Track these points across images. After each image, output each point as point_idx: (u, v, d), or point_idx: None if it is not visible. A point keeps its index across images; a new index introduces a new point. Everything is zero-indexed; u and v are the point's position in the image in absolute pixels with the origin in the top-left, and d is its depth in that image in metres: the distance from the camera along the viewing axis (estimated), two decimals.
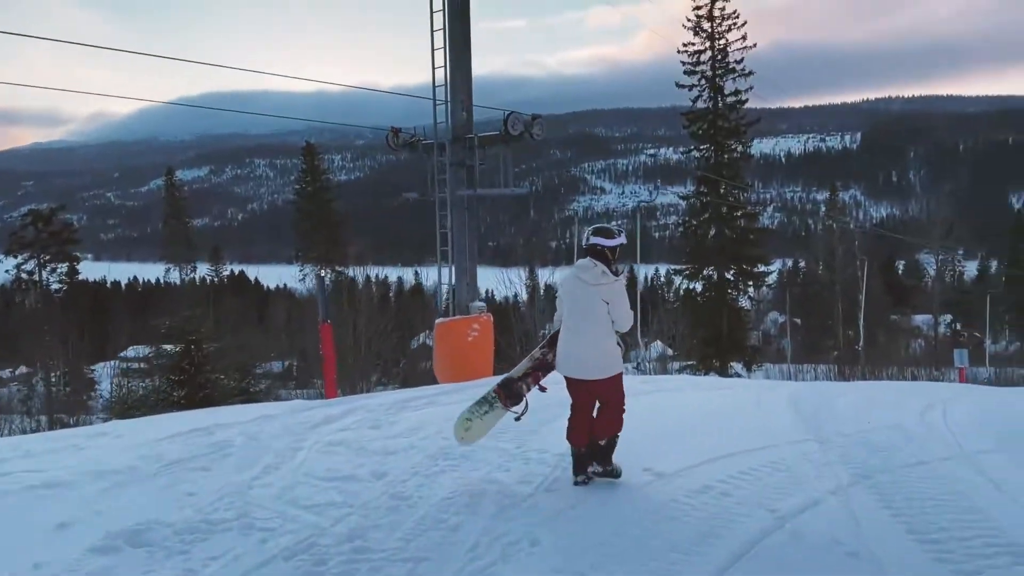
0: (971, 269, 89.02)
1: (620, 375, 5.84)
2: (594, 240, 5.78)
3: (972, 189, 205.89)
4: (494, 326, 11.37)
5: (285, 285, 71.61)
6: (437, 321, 11.45)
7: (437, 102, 10.65)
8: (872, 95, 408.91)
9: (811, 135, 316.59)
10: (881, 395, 10.80)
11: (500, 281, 37.94)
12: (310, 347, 31.11)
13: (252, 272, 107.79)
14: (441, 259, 11.18)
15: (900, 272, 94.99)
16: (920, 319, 78.04)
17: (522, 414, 6.16)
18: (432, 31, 10.61)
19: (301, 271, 46.20)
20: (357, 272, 45.10)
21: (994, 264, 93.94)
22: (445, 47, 10.54)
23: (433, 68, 10.60)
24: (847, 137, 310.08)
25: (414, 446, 7.04)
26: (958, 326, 64.17)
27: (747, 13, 26.83)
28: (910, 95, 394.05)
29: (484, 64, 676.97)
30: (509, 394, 6.17)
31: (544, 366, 6.17)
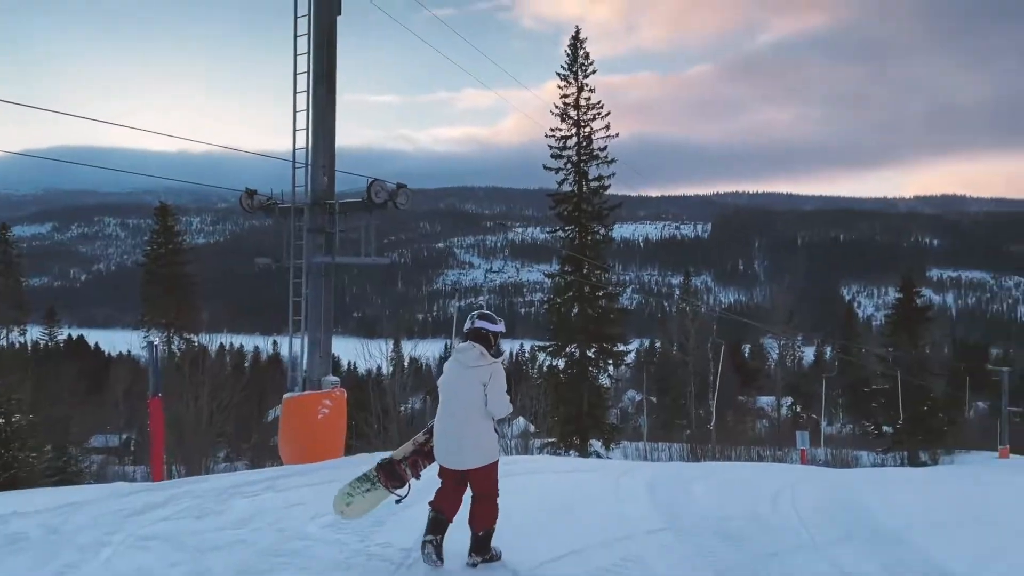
0: (809, 354, 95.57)
1: (495, 464, 5.67)
2: (479, 324, 5.71)
3: (808, 280, 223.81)
4: (349, 402, 10.72)
5: (129, 352, 66.74)
6: (285, 396, 10.73)
7: (297, 165, 10.18)
8: (721, 188, 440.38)
9: (667, 222, 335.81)
10: (733, 478, 10.94)
11: (361, 353, 36.78)
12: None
13: (93, 337, 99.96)
14: (294, 329, 10.56)
15: (746, 355, 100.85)
16: (764, 400, 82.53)
17: (404, 496, 5.98)
18: (295, 92, 10.19)
19: (146, 337, 43.14)
20: (208, 340, 42.61)
21: (828, 350, 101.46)
22: (308, 109, 10.08)
23: (294, 130, 10.16)
24: (699, 226, 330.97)
25: (243, 540, 6.23)
26: (798, 408, 68.19)
27: (609, 105, 28.41)
28: (754, 191, 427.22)
29: (356, 136, 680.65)
30: (390, 476, 6.01)
31: (425, 453, 6.00)
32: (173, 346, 40.79)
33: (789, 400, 69.49)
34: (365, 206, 10.06)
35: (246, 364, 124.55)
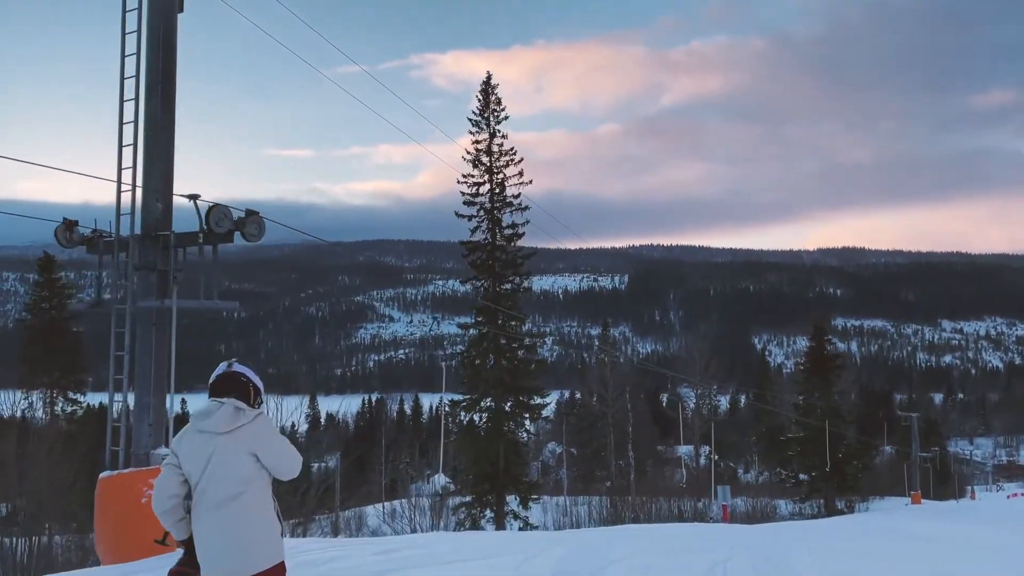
0: (724, 403, 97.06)
1: (282, 565, 4.07)
2: (239, 368, 4.28)
3: (722, 329, 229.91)
4: None
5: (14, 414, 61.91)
6: (101, 476, 8.47)
7: (123, 188, 8.36)
8: (637, 242, 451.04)
9: (585, 275, 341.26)
10: (656, 548, 10.06)
11: (275, 411, 34.59)
12: (43, 486, 25.59)
13: None
14: (114, 389, 8.57)
15: (664, 404, 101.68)
16: (683, 449, 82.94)
17: None
18: (122, 101, 8.45)
19: (26, 399, 39.89)
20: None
21: (743, 398, 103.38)
22: (137, 120, 8.40)
23: (120, 146, 8.40)
24: (616, 278, 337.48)
25: None
26: (716, 457, 68.56)
27: (523, 162, 28.14)
28: (668, 244, 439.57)
29: (271, 190, 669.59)
30: None
31: None
32: (56, 408, 37.74)
33: (707, 449, 69.87)
34: (206, 237, 8.28)
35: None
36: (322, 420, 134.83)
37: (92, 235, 8.31)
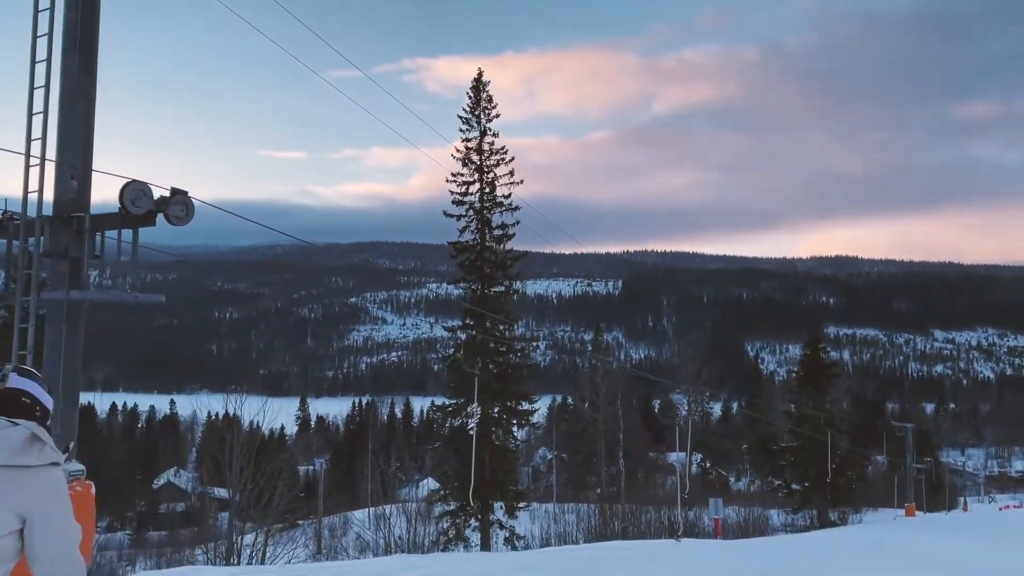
0: (716, 410, 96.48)
1: None
2: (20, 383, 2.82)
3: (714, 337, 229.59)
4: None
5: None
6: None
7: (32, 162, 7.25)
8: (631, 247, 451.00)
9: (579, 279, 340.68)
10: None
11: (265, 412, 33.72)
12: None
13: None
14: None
15: (656, 411, 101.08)
16: (674, 456, 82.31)
17: None
18: (33, 62, 7.42)
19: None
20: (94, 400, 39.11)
21: (735, 406, 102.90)
22: (48, 85, 7.31)
23: (30, 114, 7.31)
24: (610, 283, 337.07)
25: None
26: (708, 464, 68.08)
27: (516, 166, 27.43)
28: (662, 250, 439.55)
29: (262, 191, 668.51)
30: None
31: None
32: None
33: (699, 456, 69.34)
34: (123, 219, 7.15)
35: (140, 425, 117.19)
36: (312, 422, 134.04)
37: (2, 217, 7.13)
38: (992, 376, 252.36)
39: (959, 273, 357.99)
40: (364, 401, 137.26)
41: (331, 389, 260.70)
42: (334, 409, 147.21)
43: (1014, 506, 72.66)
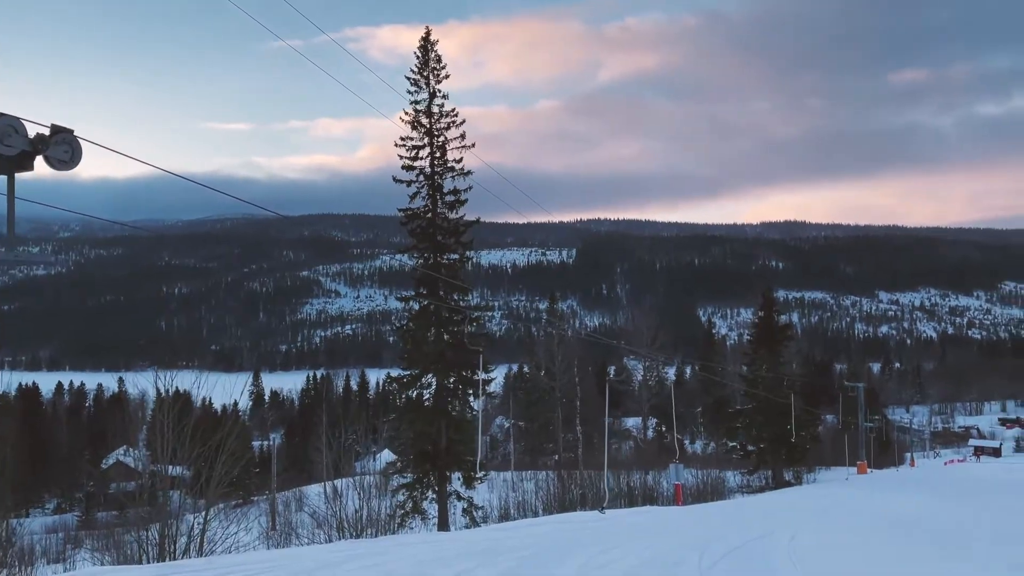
0: (670, 374, 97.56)
1: None
2: None
3: (667, 302, 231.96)
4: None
5: None
6: None
7: None
8: (584, 216, 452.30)
9: (534, 249, 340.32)
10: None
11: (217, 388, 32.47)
12: None
13: None
14: None
15: (612, 376, 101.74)
16: (631, 422, 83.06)
17: None
18: None
19: None
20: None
21: (688, 370, 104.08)
22: None
23: None
24: (564, 252, 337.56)
25: None
26: (663, 428, 68.68)
27: (464, 124, 26.42)
28: (615, 218, 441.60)
29: (207, 163, 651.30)
30: None
31: None
32: None
33: (654, 421, 69.95)
34: None
35: (88, 404, 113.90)
36: (266, 397, 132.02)
37: None
38: (935, 335, 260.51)
39: (902, 236, 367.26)
40: (319, 375, 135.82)
41: (285, 363, 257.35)
42: (288, 383, 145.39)
43: (957, 460, 75.26)
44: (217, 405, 49.55)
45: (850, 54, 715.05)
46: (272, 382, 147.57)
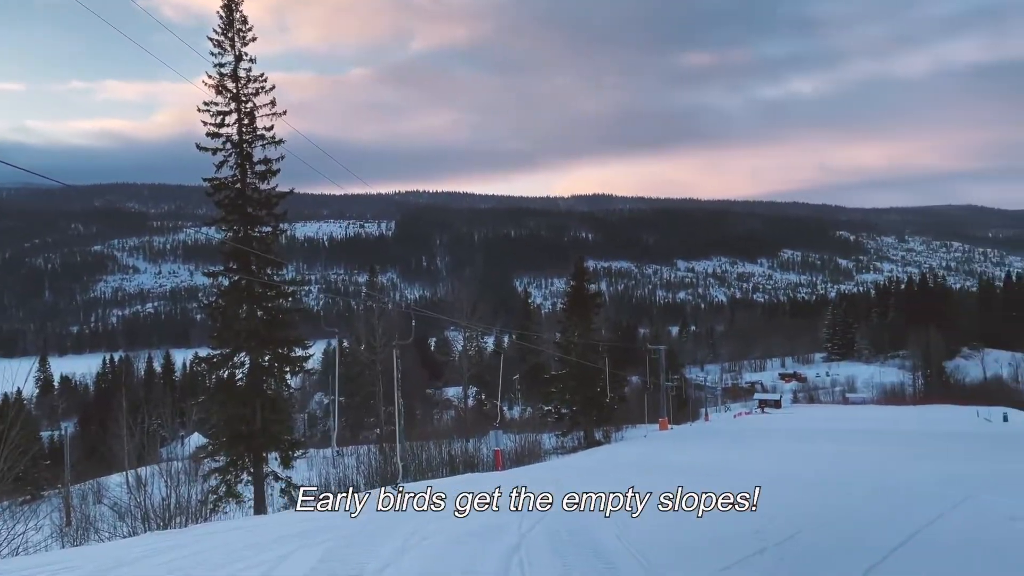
0: (489, 344, 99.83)
1: None
2: None
3: (485, 274, 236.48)
4: None
5: None
6: None
7: None
8: (403, 188, 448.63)
9: (352, 221, 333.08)
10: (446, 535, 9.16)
11: None
12: None
13: None
14: None
15: (432, 348, 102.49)
16: (452, 391, 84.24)
17: None
18: None
19: None
20: None
21: (507, 338, 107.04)
22: None
23: None
24: (383, 224, 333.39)
25: None
26: (484, 396, 70.36)
27: (275, 91, 25.17)
28: (434, 190, 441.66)
29: None
30: None
31: None
32: None
33: (475, 390, 71.46)
34: None
35: None
36: (56, 383, 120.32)
37: None
38: (725, 299, 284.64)
39: (697, 208, 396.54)
40: (116, 357, 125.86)
41: (77, 346, 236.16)
42: (82, 367, 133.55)
43: (744, 413, 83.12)
44: None
45: (645, 35, 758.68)
46: (63, 366, 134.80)
